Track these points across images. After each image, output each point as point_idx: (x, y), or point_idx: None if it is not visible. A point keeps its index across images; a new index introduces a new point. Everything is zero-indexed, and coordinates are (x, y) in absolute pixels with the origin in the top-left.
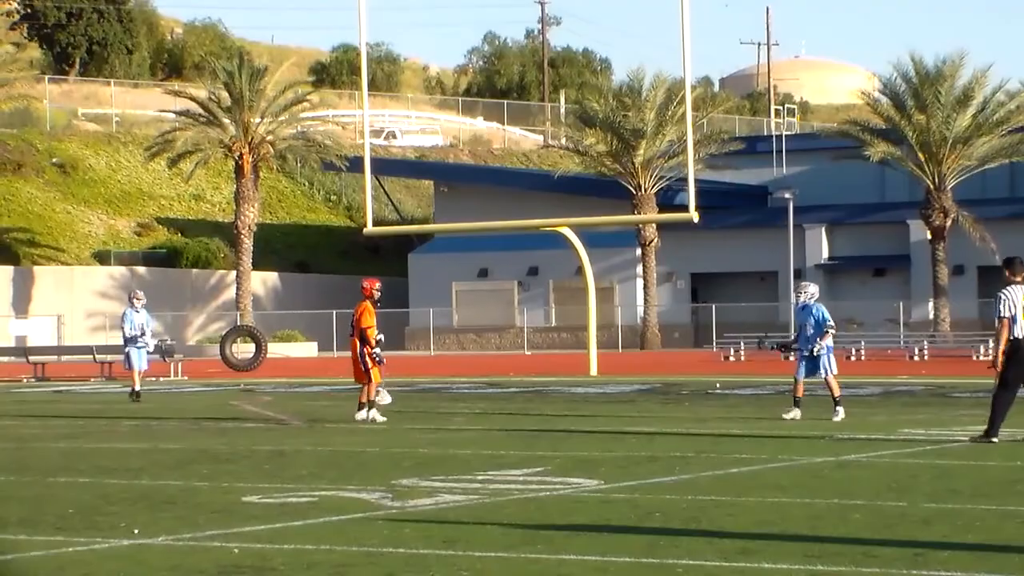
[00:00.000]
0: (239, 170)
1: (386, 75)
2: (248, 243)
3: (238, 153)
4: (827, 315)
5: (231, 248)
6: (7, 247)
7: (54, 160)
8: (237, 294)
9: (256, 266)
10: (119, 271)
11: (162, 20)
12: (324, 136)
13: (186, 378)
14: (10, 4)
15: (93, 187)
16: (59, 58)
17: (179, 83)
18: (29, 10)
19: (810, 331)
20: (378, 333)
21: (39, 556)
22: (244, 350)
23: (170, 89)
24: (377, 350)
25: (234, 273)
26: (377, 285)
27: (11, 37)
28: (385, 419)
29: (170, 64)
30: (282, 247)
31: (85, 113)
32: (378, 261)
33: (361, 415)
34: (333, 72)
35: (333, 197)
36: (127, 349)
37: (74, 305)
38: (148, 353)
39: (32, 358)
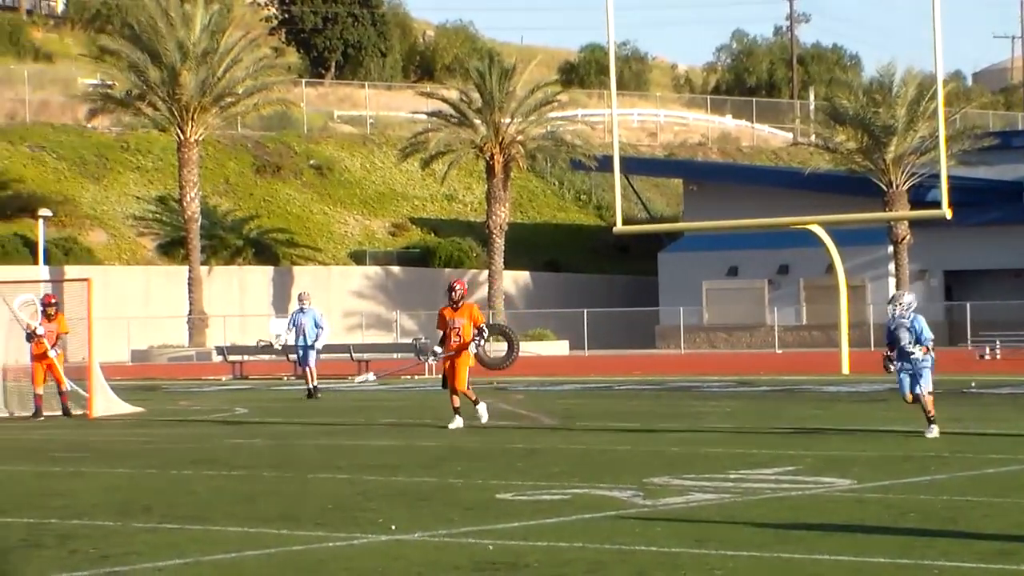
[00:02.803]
0: (490, 170)
1: (634, 74)
2: (500, 242)
3: (489, 153)
4: (927, 329)
5: (483, 247)
6: (267, 248)
7: (311, 162)
8: (489, 293)
9: (508, 265)
10: (374, 271)
11: (414, 23)
12: (573, 136)
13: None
14: (268, 10)
15: (349, 188)
16: (315, 62)
17: (431, 85)
18: (286, 16)
19: (908, 347)
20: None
21: (300, 550)
22: (496, 349)
23: (422, 91)
24: (437, 349)
25: (486, 272)
26: (458, 286)
27: (269, 42)
28: (460, 425)
29: (422, 66)
30: (533, 246)
31: (341, 116)
32: (627, 260)
33: (457, 423)
34: (581, 71)
35: (583, 196)
36: (298, 349)
37: (331, 304)
38: (318, 352)
39: (292, 356)
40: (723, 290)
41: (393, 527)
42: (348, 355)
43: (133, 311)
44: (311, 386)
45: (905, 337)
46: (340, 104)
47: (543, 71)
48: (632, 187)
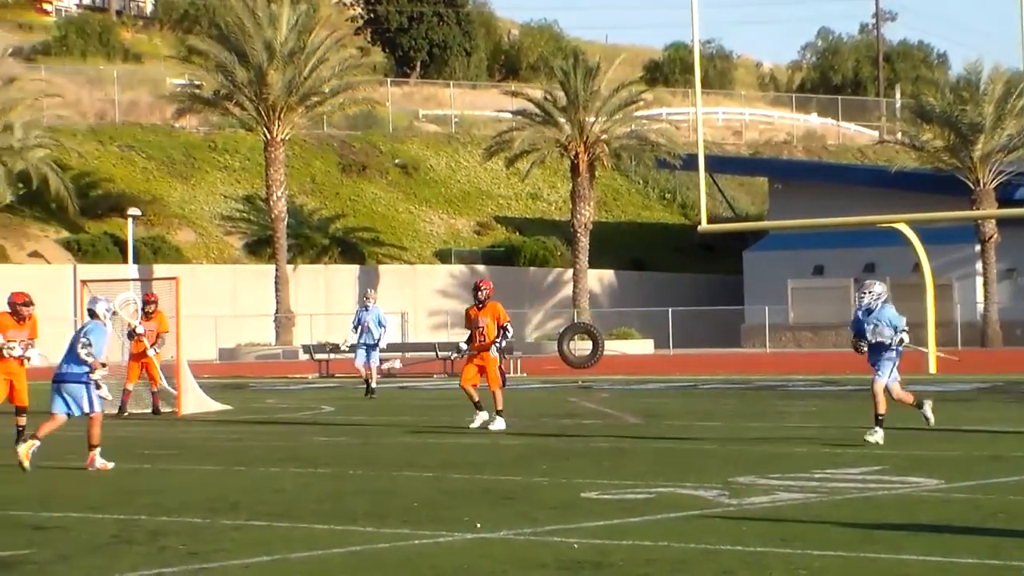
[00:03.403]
0: (575, 169)
1: (719, 72)
2: (584, 241)
3: (574, 152)
4: (896, 317)
5: (567, 246)
6: (353, 246)
7: (396, 161)
8: (574, 292)
9: (592, 264)
10: (459, 269)
11: (499, 22)
12: (658, 134)
13: (525, 375)
14: (354, 10)
15: (434, 187)
16: (401, 61)
17: (515, 84)
18: (372, 15)
19: (877, 337)
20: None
21: (386, 548)
22: (581, 347)
23: (507, 90)
24: (462, 346)
25: (571, 271)
26: (483, 286)
27: (355, 42)
28: (503, 427)
29: (507, 65)
30: (617, 245)
31: (426, 115)
32: (712, 259)
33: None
34: (666, 70)
35: (668, 195)
36: (359, 347)
37: (417, 303)
38: (379, 350)
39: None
40: (808, 289)
41: (478, 525)
42: (434, 354)
43: (221, 310)
44: (371, 385)
45: (870, 328)
46: (425, 103)
47: (627, 70)
48: (717, 186)
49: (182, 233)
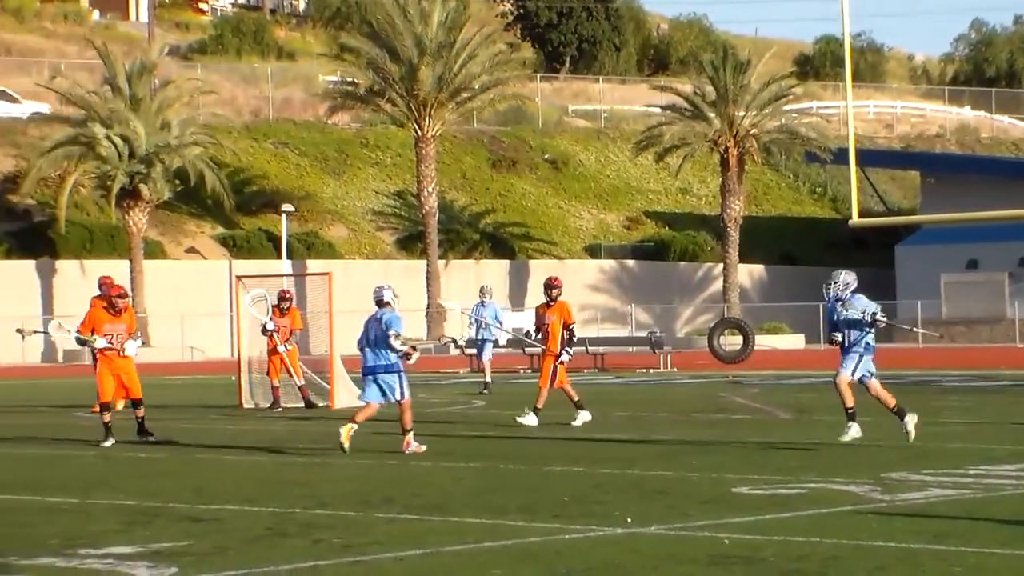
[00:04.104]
0: (724, 163)
1: (870, 65)
2: (734, 235)
3: (723, 147)
4: (870, 304)
5: (718, 241)
6: (504, 241)
7: (546, 156)
8: (724, 286)
9: (742, 258)
10: (609, 264)
11: (648, 17)
12: (808, 128)
13: (675, 370)
14: (504, 6)
15: (583, 182)
16: (550, 57)
17: (664, 78)
18: (522, 11)
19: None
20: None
21: (537, 542)
22: (732, 342)
23: (656, 84)
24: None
25: (721, 266)
26: (556, 284)
27: (505, 38)
28: (588, 419)
29: (656, 60)
30: (768, 239)
31: (575, 110)
32: (863, 253)
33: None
34: (816, 63)
35: (818, 189)
36: (477, 343)
37: (566, 298)
38: (495, 346)
39: (528, 350)
40: (962, 283)
41: (629, 520)
42: (584, 349)
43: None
44: (486, 380)
45: (846, 318)
46: (575, 98)
47: (777, 63)
48: (868, 180)
49: (335, 229)
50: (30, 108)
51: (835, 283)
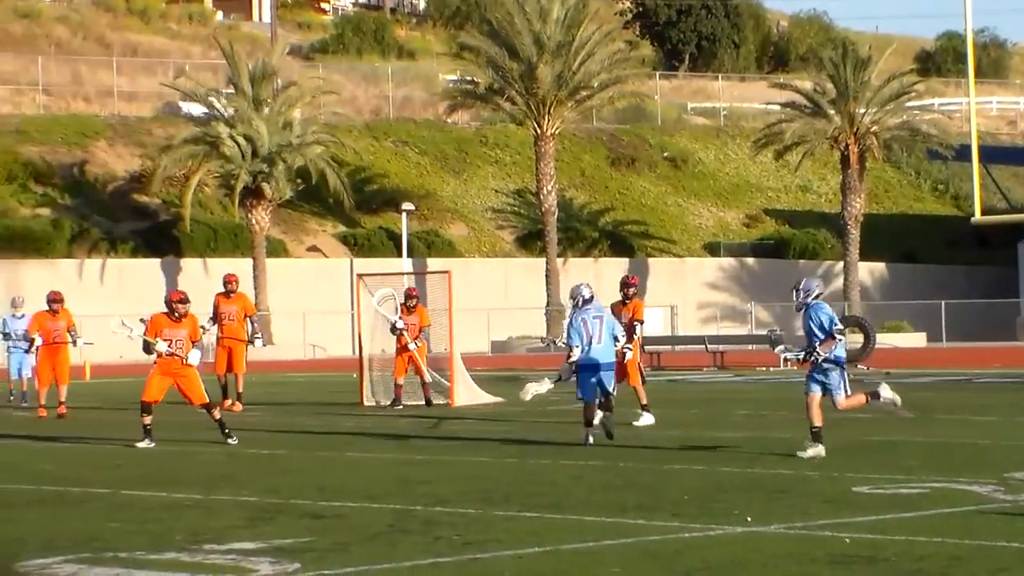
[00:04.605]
0: (845, 161)
1: (993, 61)
2: (855, 233)
3: (843, 144)
4: (832, 317)
5: (838, 238)
6: (623, 239)
7: (665, 154)
8: (844, 284)
9: (863, 256)
10: (728, 262)
11: (768, 14)
12: (930, 125)
13: (795, 368)
14: (623, 4)
15: (702, 180)
16: (669, 54)
17: (784, 75)
18: (640, 9)
19: (814, 339)
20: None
21: (657, 540)
22: (853, 340)
23: (775, 82)
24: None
25: (841, 263)
26: (631, 282)
27: (624, 36)
28: (651, 422)
29: (775, 57)
30: (888, 237)
31: (694, 108)
32: (986, 251)
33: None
34: (938, 60)
35: (940, 186)
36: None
37: (685, 296)
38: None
39: (648, 348)
40: None
41: (749, 519)
42: (703, 347)
43: (492, 302)
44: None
45: (810, 328)
46: (694, 96)
47: (898, 60)
48: (991, 177)
49: (454, 227)
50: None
51: (796, 290)
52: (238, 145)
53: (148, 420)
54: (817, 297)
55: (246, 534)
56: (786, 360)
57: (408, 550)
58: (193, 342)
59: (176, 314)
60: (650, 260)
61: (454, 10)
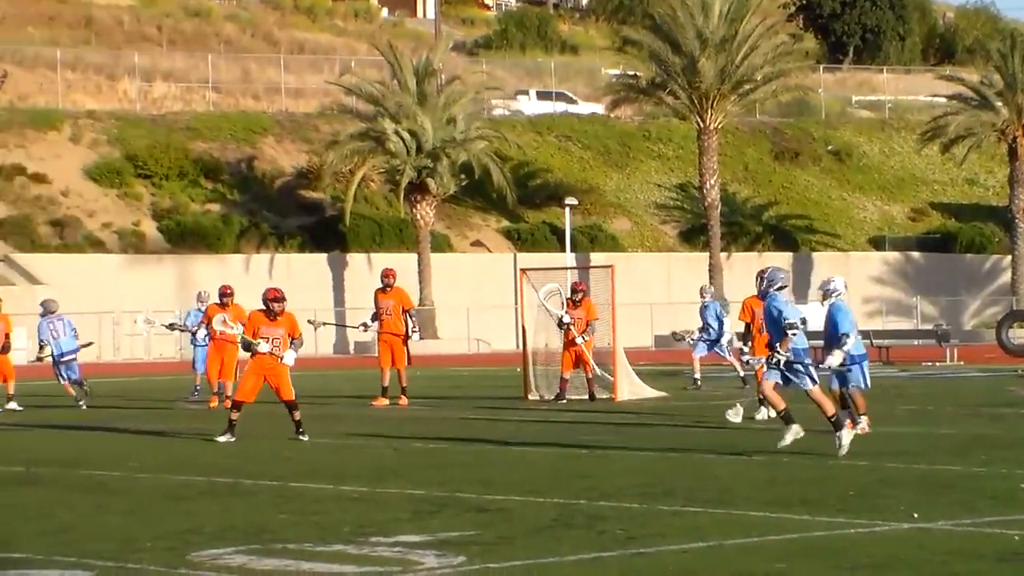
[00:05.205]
0: (1012, 153)
1: None
2: (1023, 227)
3: (1011, 136)
4: (787, 311)
5: (1006, 232)
6: (786, 233)
7: (829, 148)
8: (1012, 278)
9: None
10: (893, 256)
11: (934, 5)
12: None
13: (962, 363)
14: None
15: (867, 173)
16: (833, 47)
17: (950, 68)
18: (805, 2)
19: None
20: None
21: (821, 536)
22: (1020, 335)
23: (942, 74)
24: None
25: (1009, 257)
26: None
27: (787, 28)
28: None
29: (941, 49)
30: None
31: (858, 100)
32: None
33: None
34: None
35: None
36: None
37: (850, 290)
38: (714, 344)
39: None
40: None
41: (915, 515)
42: (868, 341)
43: (655, 297)
44: (695, 376)
45: (768, 323)
46: (858, 89)
47: None
48: None
49: (617, 222)
50: (587, 108)
51: (759, 279)
52: (403, 141)
53: (236, 416)
54: (780, 289)
55: (411, 527)
56: (747, 363)
57: (572, 544)
58: (292, 339)
59: (272, 313)
60: (814, 254)
61: (617, 5)
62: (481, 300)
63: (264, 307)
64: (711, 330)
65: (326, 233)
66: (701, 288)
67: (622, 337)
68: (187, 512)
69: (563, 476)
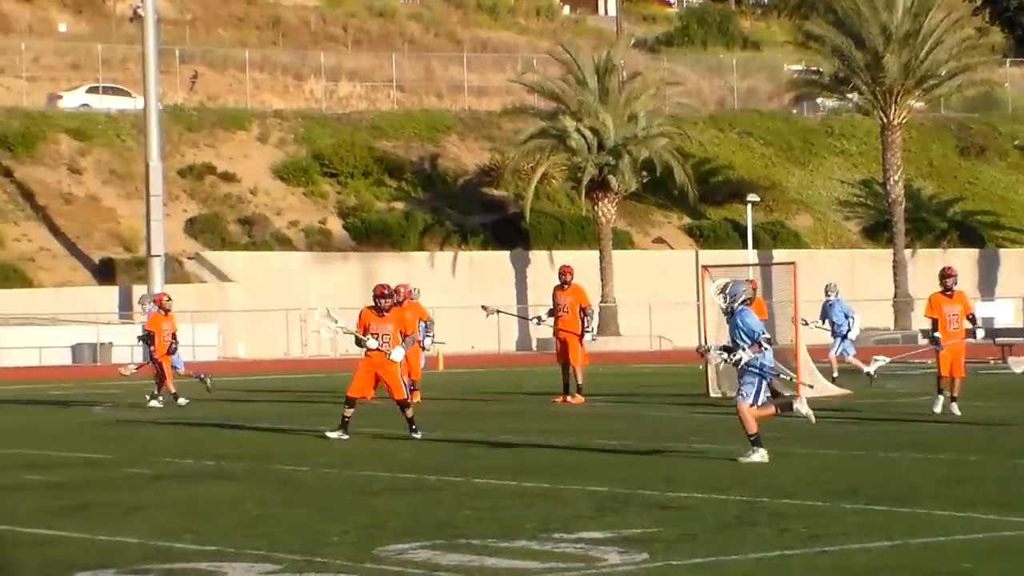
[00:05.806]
0: None
1: None
2: None
3: None
4: (757, 326)
5: None
6: (973, 229)
7: (1016, 142)
8: None
9: None
10: None
11: None
12: None
13: None
14: None
15: None
16: (1020, 41)
17: None
18: None
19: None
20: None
21: (1010, 536)
22: None
23: None
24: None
25: None
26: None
27: (973, 23)
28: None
29: None
30: None
31: None
32: None
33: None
34: None
35: None
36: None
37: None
38: (843, 340)
39: (998, 340)
40: None
41: None
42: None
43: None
44: (867, 371)
45: (736, 333)
46: None
47: None
48: None
49: (800, 218)
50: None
51: (719, 294)
52: (584, 138)
53: (349, 413)
54: (744, 303)
55: (594, 523)
56: (709, 361)
57: (755, 542)
58: (403, 336)
59: (380, 309)
60: (1000, 251)
61: (799, 0)
62: (663, 297)
63: (373, 303)
64: (841, 327)
65: (508, 230)
66: (827, 286)
67: (805, 335)
68: (372, 507)
69: (745, 474)
